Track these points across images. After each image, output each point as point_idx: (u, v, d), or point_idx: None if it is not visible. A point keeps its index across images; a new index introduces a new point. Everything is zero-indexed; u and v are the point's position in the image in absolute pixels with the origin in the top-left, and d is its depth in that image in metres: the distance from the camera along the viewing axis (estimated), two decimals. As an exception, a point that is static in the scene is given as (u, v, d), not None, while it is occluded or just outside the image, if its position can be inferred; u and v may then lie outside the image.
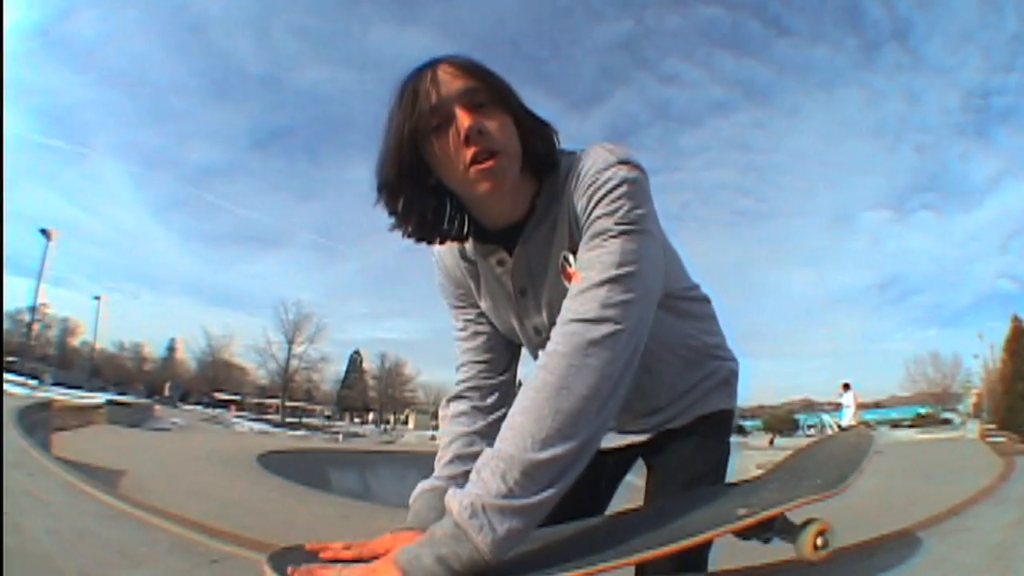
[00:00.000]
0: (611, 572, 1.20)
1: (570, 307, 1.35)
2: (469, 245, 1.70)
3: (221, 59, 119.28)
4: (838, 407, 21.34)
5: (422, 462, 1.73)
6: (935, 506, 5.07)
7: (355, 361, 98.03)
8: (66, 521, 3.64)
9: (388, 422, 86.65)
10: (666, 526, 1.37)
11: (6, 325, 66.43)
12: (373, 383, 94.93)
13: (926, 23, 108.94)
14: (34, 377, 40.08)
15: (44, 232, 47.20)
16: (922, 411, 63.19)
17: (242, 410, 69.64)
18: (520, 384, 1.46)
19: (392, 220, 1.56)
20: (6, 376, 31.77)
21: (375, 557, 1.23)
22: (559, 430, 1.21)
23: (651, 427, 1.96)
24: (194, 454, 15.91)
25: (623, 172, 1.43)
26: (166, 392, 64.00)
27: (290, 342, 77.46)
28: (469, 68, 1.45)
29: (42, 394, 23.57)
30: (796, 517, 1.37)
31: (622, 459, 2.08)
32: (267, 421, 55.30)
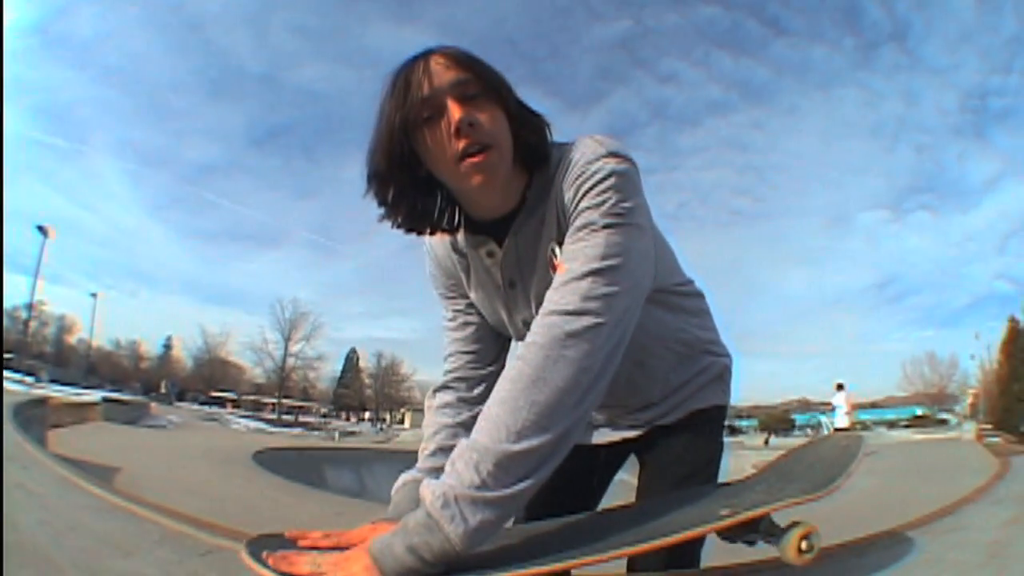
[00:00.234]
0: (605, 571, 1.20)
1: (551, 299, 1.35)
2: (460, 236, 1.69)
3: (219, 57, 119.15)
4: (833, 408, 21.21)
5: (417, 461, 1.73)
6: (930, 506, 5.07)
7: (351, 360, 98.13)
8: (58, 513, 3.66)
9: (384, 421, 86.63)
10: (650, 523, 1.37)
11: (4, 322, 66.57)
12: (369, 382, 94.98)
13: (924, 24, 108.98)
14: (30, 374, 40.17)
15: (41, 229, 47.32)
16: (919, 412, 63.44)
17: (238, 408, 69.63)
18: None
19: (382, 210, 1.55)
20: (4, 373, 31.81)
21: (352, 546, 1.24)
22: (535, 422, 1.21)
23: (644, 422, 1.95)
24: (189, 452, 15.86)
25: (612, 164, 1.42)
26: (162, 390, 64.05)
27: (286, 340, 77.71)
28: (462, 59, 1.44)
29: (39, 391, 23.52)
30: (782, 519, 1.36)
31: (614, 455, 2.08)
32: (263, 419, 55.26)
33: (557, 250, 1.51)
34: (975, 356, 55.92)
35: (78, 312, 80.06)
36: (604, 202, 1.39)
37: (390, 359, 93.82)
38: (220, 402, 72.11)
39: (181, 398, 64.87)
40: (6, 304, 66.30)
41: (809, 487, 1.40)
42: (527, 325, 1.62)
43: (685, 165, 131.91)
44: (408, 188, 1.52)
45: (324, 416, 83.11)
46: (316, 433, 45.53)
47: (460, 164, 1.41)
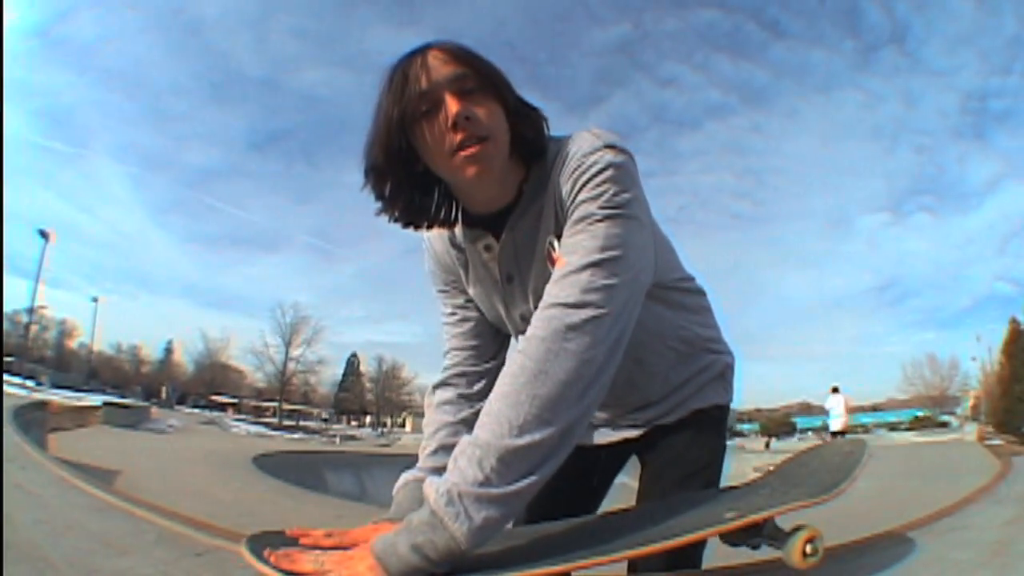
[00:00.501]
0: (606, 572, 1.19)
1: (551, 292, 1.33)
2: (458, 231, 1.69)
3: (219, 61, 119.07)
4: (828, 411, 21.13)
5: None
6: (931, 506, 5.06)
7: (352, 364, 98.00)
8: (55, 513, 3.66)
9: (385, 425, 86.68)
10: (654, 526, 1.36)
11: (4, 326, 66.61)
12: (370, 386, 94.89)
13: (923, 26, 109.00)
14: (31, 378, 40.13)
15: (42, 233, 47.38)
16: (920, 414, 63.35)
17: (239, 412, 69.61)
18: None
19: (379, 204, 1.55)
20: (5, 377, 31.84)
21: (354, 545, 1.23)
22: (537, 416, 1.19)
23: (644, 422, 1.93)
24: (190, 455, 15.90)
25: (609, 156, 1.41)
26: (163, 394, 64.03)
27: (287, 345, 77.58)
28: (459, 54, 1.44)
29: (39, 395, 23.56)
30: (786, 524, 1.36)
31: (615, 455, 2.06)
32: (264, 423, 55.24)
33: (556, 243, 1.50)
34: (976, 358, 55.95)
35: (79, 316, 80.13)
36: (602, 194, 1.38)
37: (391, 363, 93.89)
38: (221, 406, 72.02)
39: (182, 402, 64.78)
40: (7, 308, 66.61)
41: (813, 491, 1.40)
42: (525, 320, 1.62)
43: (685, 169, 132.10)
44: (405, 182, 1.52)
45: (325, 420, 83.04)
46: (317, 437, 45.53)
47: (456, 157, 1.41)
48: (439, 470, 1.53)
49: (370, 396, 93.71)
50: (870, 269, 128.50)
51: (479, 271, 1.73)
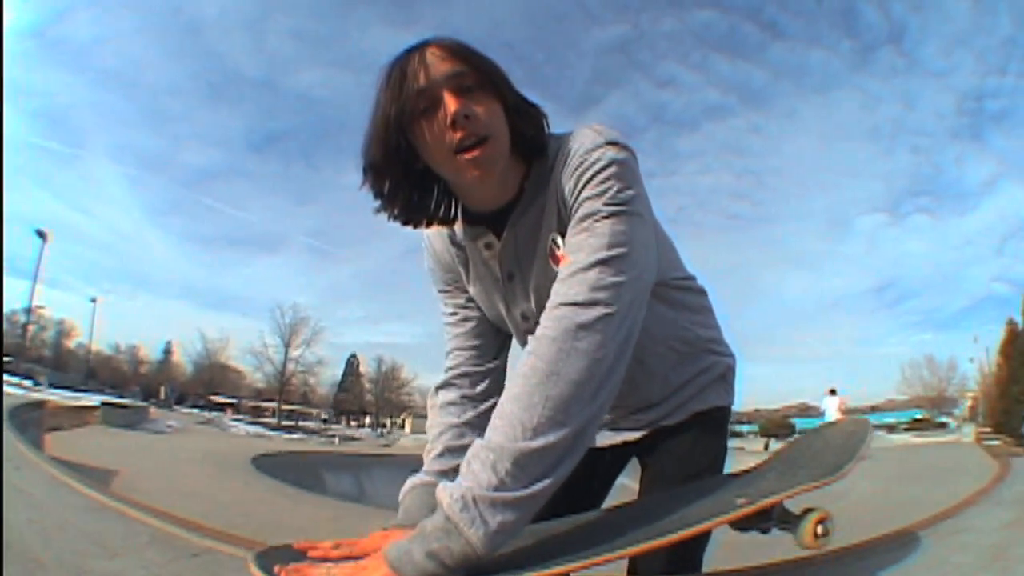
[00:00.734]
0: (605, 571, 1.16)
1: (559, 291, 1.31)
2: (458, 228, 1.68)
3: (217, 62, 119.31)
4: (823, 412, 21.09)
5: (418, 465, 1.69)
6: (931, 508, 5.05)
7: (352, 364, 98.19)
8: (48, 513, 3.66)
9: (385, 426, 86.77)
10: (662, 518, 1.33)
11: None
12: (370, 387, 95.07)
13: (920, 26, 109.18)
14: (29, 378, 40.19)
15: (40, 233, 47.47)
16: (918, 415, 63.45)
17: (238, 413, 69.68)
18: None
19: (377, 203, 1.54)
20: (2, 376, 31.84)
21: (365, 555, 1.21)
22: (551, 417, 1.17)
23: (645, 424, 1.90)
24: (188, 456, 15.90)
25: (611, 153, 1.40)
26: (162, 395, 64.15)
27: (287, 345, 77.59)
28: (458, 51, 1.42)
29: (37, 395, 23.58)
30: (795, 507, 1.35)
31: (616, 457, 2.03)
32: (263, 424, 55.28)
33: (559, 241, 1.50)
34: (974, 359, 55.85)
35: (77, 317, 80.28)
36: (606, 191, 1.37)
37: (390, 364, 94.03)
38: (220, 407, 72.11)
39: (180, 402, 64.90)
40: (5, 308, 66.73)
41: (820, 472, 1.39)
42: (526, 318, 1.66)
43: (683, 169, 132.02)
44: (404, 180, 1.51)
45: (324, 421, 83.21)
46: (316, 438, 45.56)
47: (457, 157, 1.39)
48: (446, 473, 1.55)
49: (369, 397, 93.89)
50: (868, 270, 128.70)
51: (479, 269, 1.71)
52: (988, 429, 32.44)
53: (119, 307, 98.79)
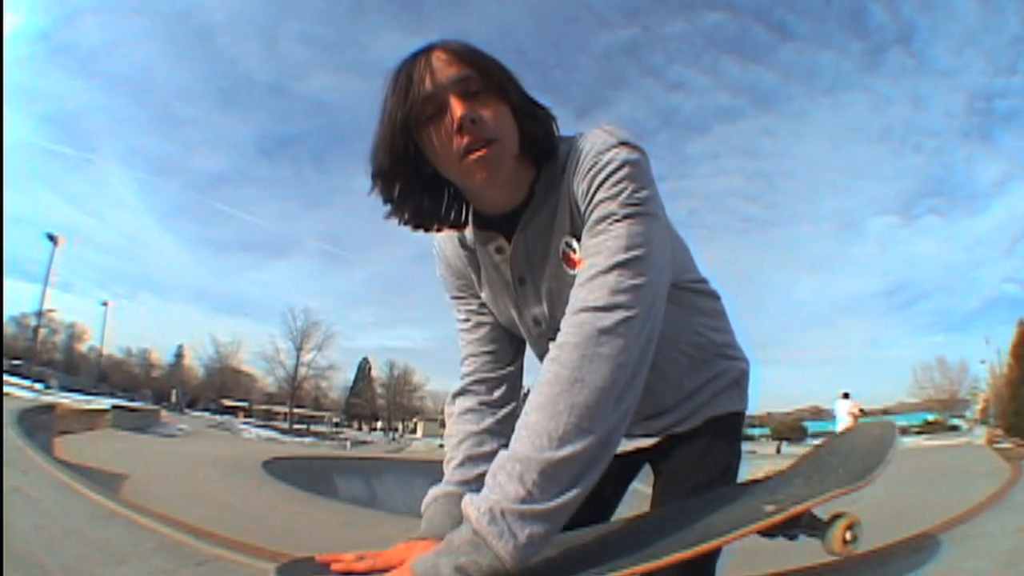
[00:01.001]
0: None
1: (578, 296, 1.29)
2: (469, 233, 1.65)
3: (228, 66, 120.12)
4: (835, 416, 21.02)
5: (429, 470, 1.66)
6: (944, 513, 5.02)
7: (363, 369, 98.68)
8: (55, 519, 3.63)
9: (396, 430, 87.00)
10: (689, 527, 1.30)
11: (12, 329, 67.02)
12: (381, 391, 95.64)
13: (929, 26, 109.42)
14: (40, 381, 40.35)
15: (51, 237, 47.62)
16: (930, 417, 63.44)
17: (250, 417, 69.93)
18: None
19: (387, 208, 1.51)
20: (12, 380, 31.96)
21: (389, 568, 1.18)
22: (576, 425, 1.14)
23: (658, 430, 1.86)
24: (199, 459, 15.92)
25: (624, 153, 1.37)
26: (173, 398, 64.30)
27: (298, 349, 78.16)
28: (464, 54, 1.40)
29: (47, 399, 23.65)
30: (822, 511, 1.33)
31: (628, 464, 1.99)
32: (274, 428, 55.47)
33: (574, 244, 1.48)
34: (985, 360, 55.83)
35: (89, 320, 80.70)
36: (620, 192, 1.34)
37: (402, 369, 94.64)
38: (231, 411, 72.38)
39: (192, 406, 65.17)
40: (16, 311, 67.12)
41: (849, 478, 1.37)
42: (538, 323, 1.63)
43: (695, 172, 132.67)
44: (413, 185, 1.49)
45: (336, 425, 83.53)
46: (328, 442, 45.66)
47: (464, 160, 1.37)
48: (468, 482, 1.53)
49: (381, 401, 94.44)
50: (880, 272, 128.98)
51: (490, 274, 1.68)
52: (999, 431, 32.43)
53: (130, 311, 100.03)
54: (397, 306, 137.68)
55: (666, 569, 1.22)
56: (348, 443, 45.38)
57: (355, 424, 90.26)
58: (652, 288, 1.29)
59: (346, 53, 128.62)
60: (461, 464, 1.63)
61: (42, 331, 66.12)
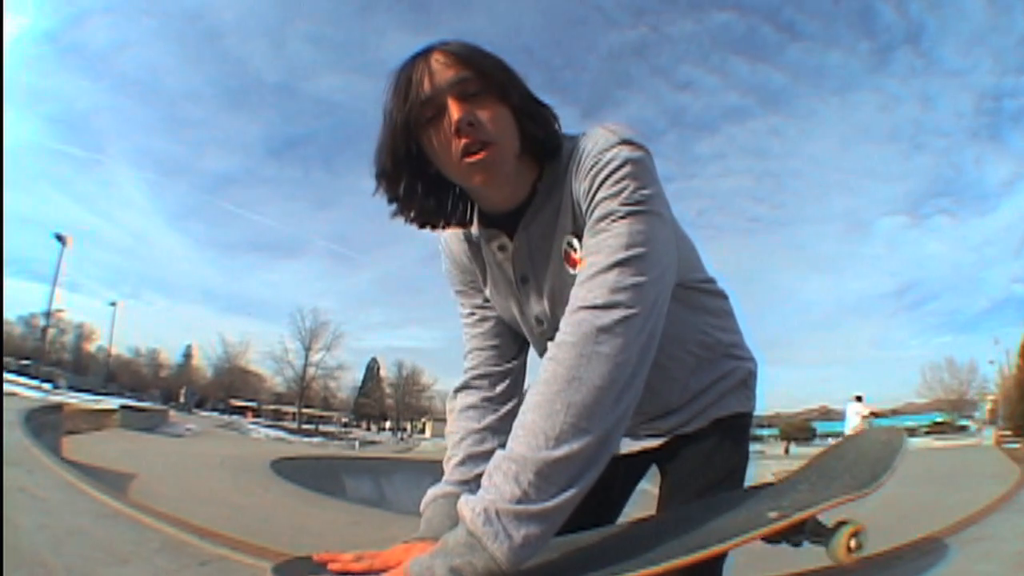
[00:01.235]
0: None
1: (578, 294, 1.28)
2: (474, 230, 1.66)
3: (236, 67, 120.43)
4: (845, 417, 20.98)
5: (438, 470, 1.65)
6: (953, 515, 5.00)
7: (372, 369, 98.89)
8: (59, 518, 3.64)
9: (405, 430, 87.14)
10: (691, 532, 1.29)
11: (21, 329, 67.30)
12: (390, 391, 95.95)
13: (938, 25, 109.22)
14: (48, 381, 40.47)
15: (59, 238, 47.75)
16: (938, 418, 63.39)
17: (258, 417, 70.06)
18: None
19: (393, 207, 1.53)
20: (20, 379, 32.08)
21: (386, 568, 1.17)
22: (573, 424, 1.14)
23: (665, 431, 1.87)
24: (206, 459, 15.95)
25: (626, 152, 1.37)
26: (182, 397, 64.46)
27: (307, 350, 78.37)
28: (463, 56, 1.41)
29: (55, 398, 23.69)
30: (828, 518, 1.32)
31: (635, 465, 2.00)
32: (283, 428, 55.59)
33: (575, 243, 1.48)
34: (994, 361, 55.80)
35: (97, 321, 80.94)
36: (622, 191, 1.33)
37: (411, 369, 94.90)
38: (240, 411, 72.56)
39: (201, 406, 65.29)
40: (24, 312, 67.43)
41: (855, 484, 1.36)
42: (540, 322, 1.63)
43: (703, 172, 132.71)
44: (417, 185, 1.51)
45: (345, 425, 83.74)
46: (336, 442, 45.71)
47: (462, 162, 1.39)
48: (468, 482, 1.53)
49: (390, 401, 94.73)
50: (889, 272, 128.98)
51: (494, 271, 1.69)
52: (1008, 432, 32.35)
53: (139, 311, 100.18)
54: (406, 306, 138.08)
55: (669, 574, 1.21)
56: (357, 443, 45.45)
57: (364, 424, 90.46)
58: (654, 287, 1.29)
59: (354, 53, 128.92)
60: (461, 463, 1.63)
61: (50, 331, 66.51)
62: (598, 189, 1.36)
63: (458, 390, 1.78)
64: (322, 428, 70.88)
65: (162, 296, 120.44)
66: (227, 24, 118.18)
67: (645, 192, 1.34)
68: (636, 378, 1.24)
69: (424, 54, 1.41)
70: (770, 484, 1.77)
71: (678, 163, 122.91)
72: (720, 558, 1.66)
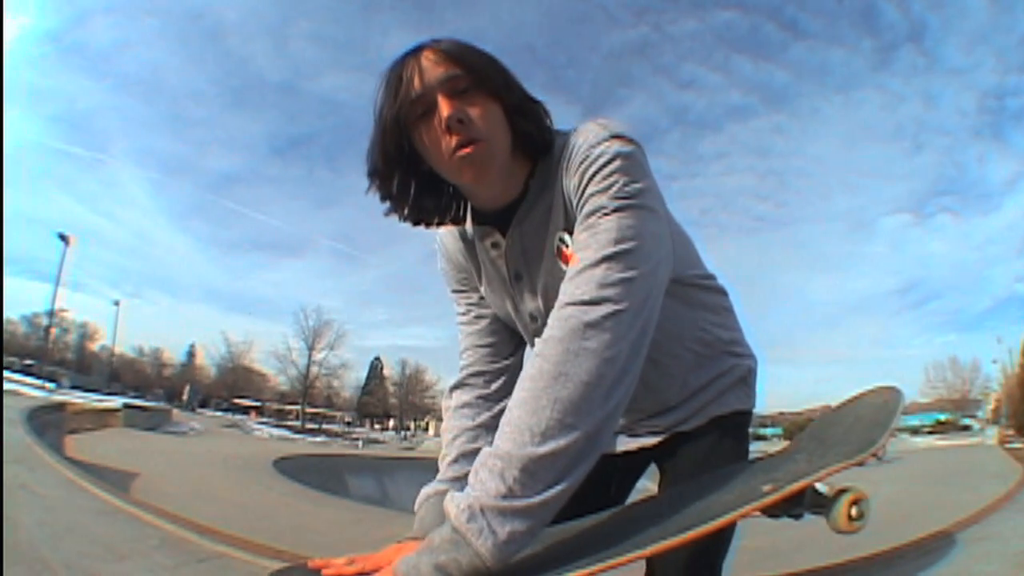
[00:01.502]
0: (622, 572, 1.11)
1: (566, 290, 1.26)
2: (468, 228, 1.65)
3: (239, 66, 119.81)
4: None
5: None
6: (955, 513, 5.00)
7: (375, 368, 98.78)
8: (59, 515, 3.65)
9: (408, 428, 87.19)
10: (683, 511, 1.26)
11: (24, 329, 67.46)
12: (393, 390, 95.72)
13: (940, 24, 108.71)
14: (52, 380, 40.52)
15: (62, 237, 47.80)
16: (941, 417, 63.33)
17: (262, 416, 70.12)
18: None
19: (386, 205, 1.52)
20: (23, 379, 32.15)
21: (377, 569, 1.18)
22: (560, 420, 1.11)
23: (663, 429, 1.83)
24: (209, 458, 15.99)
25: (616, 146, 1.35)
26: (185, 395, 64.58)
27: (310, 348, 78.11)
28: (453, 53, 1.40)
29: (58, 397, 23.75)
30: (828, 487, 1.28)
31: (633, 463, 1.97)
32: (287, 427, 55.64)
33: (567, 239, 1.46)
34: (997, 360, 55.68)
35: (101, 320, 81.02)
36: (612, 185, 1.31)
37: (414, 367, 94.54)
38: (243, 409, 72.62)
39: (204, 405, 65.38)
40: (28, 311, 67.61)
41: (852, 450, 1.31)
42: (534, 319, 1.61)
43: (707, 171, 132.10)
44: (410, 183, 1.50)
45: (348, 424, 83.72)
46: (340, 441, 45.80)
47: (452, 159, 1.38)
48: (460, 479, 1.52)
49: (393, 400, 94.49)
50: (892, 271, 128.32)
51: (488, 269, 1.68)
52: (1011, 431, 32.34)
53: (142, 310, 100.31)
54: (409, 305, 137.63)
55: (670, 564, 1.20)
56: (360, 442, 45.50)
57: (367, 423, 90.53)
58: (645, 282, 1.27)
59: (357, 52, 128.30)
60: (455, 461, 1.63)
61: (54, 331, 66.63)
62: (588, 184, 1.35)
63: (453, 388, 1.78)
64: (326, 427, 70.80)
65: (166, 295, 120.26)
66: (229, 23, 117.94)
67: (636, 186, 1.32)
68: (627, 374, 1.22)
69: (415, 52, 1.41)
70: (767, 456, 1.76)
71: (681, 162, 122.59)
72: (720, 551, 1.67)
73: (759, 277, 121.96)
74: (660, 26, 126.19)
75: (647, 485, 2.02)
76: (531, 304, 1.63)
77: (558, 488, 1.11)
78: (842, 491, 1.23)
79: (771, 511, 1.28)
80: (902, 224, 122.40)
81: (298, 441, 36.23)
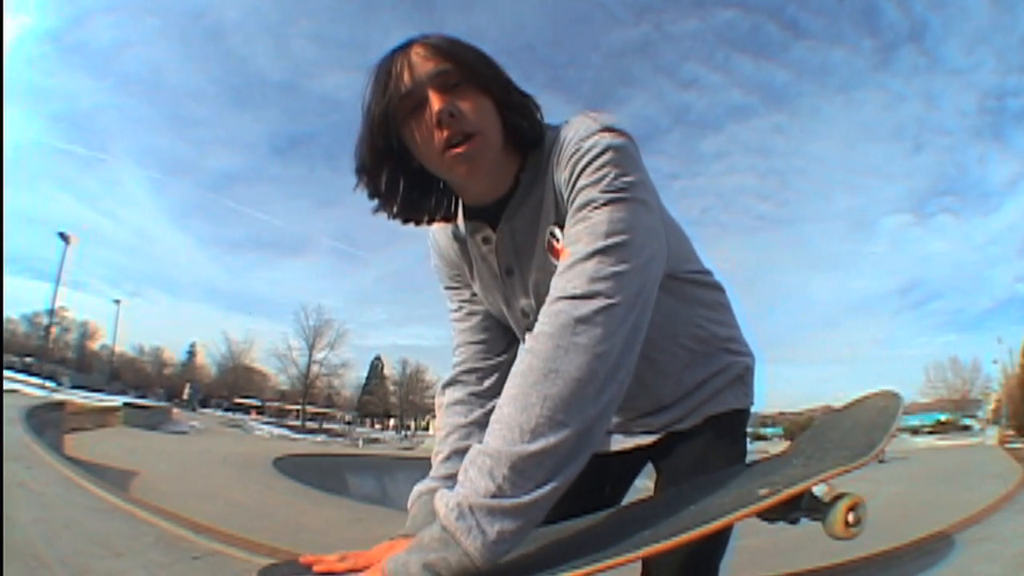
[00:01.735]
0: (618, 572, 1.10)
1: (557, 285, 1.24)
2: (460, 224, 1.64)
3: (240, 65, 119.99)
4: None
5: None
6: (956, 514, 5.00)
7: (376, 367, 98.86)
8: (56, 512, 3.66)
9: (409, 428, 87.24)
10: (679, 513, 1.25)
11: (25, 328, 67.54)
12: (394, 389, 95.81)
13: (941, 24, 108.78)
14: (52, 379, 40.54)
15: (63, 236, 47.84)
16: (942, 417, 63.36)
17: (262, 415, 70.18)
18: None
19: (375, 202, 1.52)
20: (23, 377, 32.18)
21: (368, 567, 1.16)
22: (550, 418, 1.10)
23: (658, 427, 1.81)
24: (209, 457, 16.00)
25: (607, 139, 1.34)
26: (186, 393, 64.63)
27: (311, 347, 78.20)
28: (442, 48, 1.39)
29: (58, 396, 23.75)
30: (825, 492, 1.26)
31: (628, 463, 1.95)
32: (287, 426, 55.66)
33: (558, 233, 1.44)
34: (997, 360, 55.64)
35: (101, 319, 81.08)
36: (603, 178, 1.30)
37: (415, 367, 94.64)
38: (244, 408, 72.71)
39: (204, 404, 65.44)
40: (28, 310, 67.68)
41: (850, 454, 1.30)
42: (526, 315, 1.60)
43: (708, 171, 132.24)
44: (399, 179, 1.49)
45: (349, 423, 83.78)
46: (340, 440, 45.81)
47: (444, 155, 1.37)
48: (453, 477, 1.47)
49: (394, 399, 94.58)
50: (892, 271, 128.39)
51: (479, 265, 1.66)
52: (1012, 431, 32.34)
53: (143, 309, 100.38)
54: (410, 304, 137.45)
55: (665, 566, 1.19)
56: (360, 441, 45.51)
57: (368, 422, 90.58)
58: (638, 276, 1.25)
59: (358, 52, 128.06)
60: (447, 458, 1.62)
61: (54, 329, 66.71)
62: (579, 177, 1.34)
63: (446, 385, 1.77)
64: (326, 426, 70.87)
65: (166, 294, 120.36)
66: (230, 22, 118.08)
67: (627, 179, 1.31)
68: (619, 371, 1.20)
69: (404, 48, 1.41)
70: (765, 459, 1.75)
71: (682, 161, 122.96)
72: (717, 552, 1.65)
73: (760, 277, 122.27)
74: (661, 25, 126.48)
75: (646, 484, 2.01)
76: (523, 299, 1.62)
77: (549, 487, 1.09)
78: (839, 496, 1.22)
79: (767, 515, 1.27)
80: (902, 224, 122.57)
81: (298, 440, 36.24)
